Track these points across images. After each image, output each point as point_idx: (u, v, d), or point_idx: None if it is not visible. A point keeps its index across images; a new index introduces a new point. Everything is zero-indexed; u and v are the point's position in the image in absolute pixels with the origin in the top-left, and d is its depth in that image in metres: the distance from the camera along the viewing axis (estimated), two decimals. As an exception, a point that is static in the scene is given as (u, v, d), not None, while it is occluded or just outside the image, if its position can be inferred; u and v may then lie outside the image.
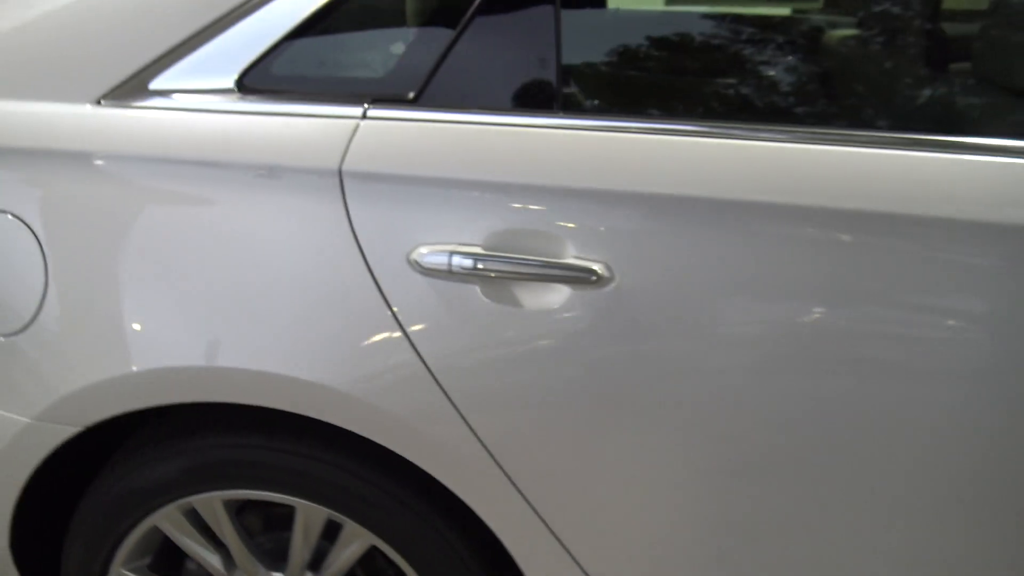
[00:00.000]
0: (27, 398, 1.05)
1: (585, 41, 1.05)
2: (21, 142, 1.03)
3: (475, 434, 0.98)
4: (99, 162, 1.01)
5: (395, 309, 0.95)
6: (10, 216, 1.03)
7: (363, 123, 0.96)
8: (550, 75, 0.97)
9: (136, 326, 1.01)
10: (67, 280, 1.02)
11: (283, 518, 1.20)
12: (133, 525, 1.13)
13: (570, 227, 0.92)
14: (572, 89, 0.99)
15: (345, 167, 0.95)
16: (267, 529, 1.23)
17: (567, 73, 0.98)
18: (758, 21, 1.13)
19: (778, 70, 1.09)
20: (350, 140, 0.96)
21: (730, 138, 0.90)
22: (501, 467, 0.99)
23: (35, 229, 1.02)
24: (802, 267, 0.87)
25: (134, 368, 1.00)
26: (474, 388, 0.96)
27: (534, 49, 0.97)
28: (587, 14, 1.04)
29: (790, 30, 1.23)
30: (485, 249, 0.93)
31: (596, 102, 1.01)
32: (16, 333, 1.04)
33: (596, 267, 0.91)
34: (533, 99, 0.97)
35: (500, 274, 0.93)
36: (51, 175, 1.02)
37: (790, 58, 1.10)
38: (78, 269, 1.02)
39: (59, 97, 1.04)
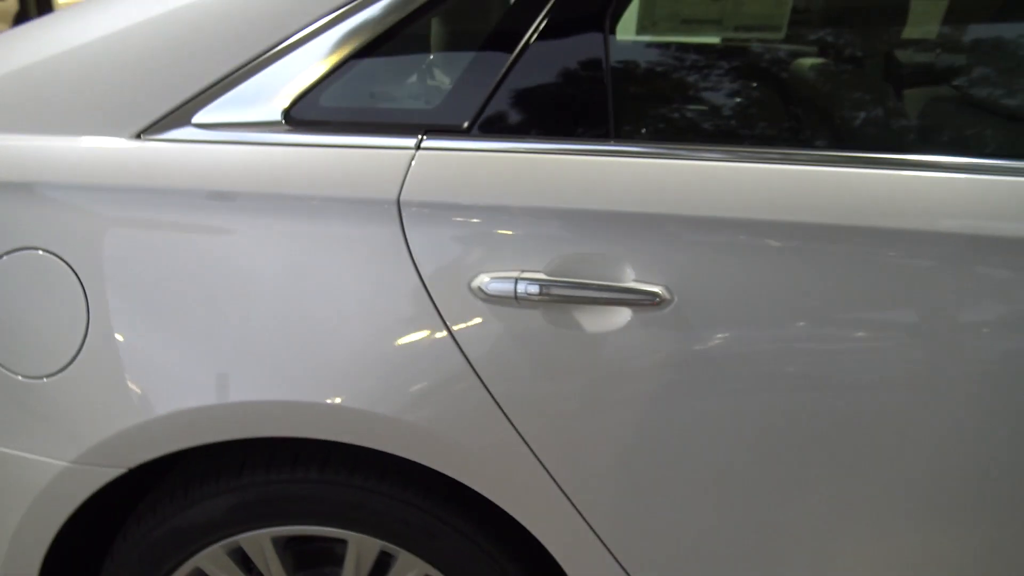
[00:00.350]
0: (65, 440, 1.02)
1: (635, 67, 1.08)
2: (60, 177, 1.01)
3: (541, 462, 0.98)
4: (142, 197, 1.00)
5: (457, 337, 0.96)
6: (48, 253, 1.00)
7: (419, 153, 0.97)
8: (602, 102, 1.00)
9: (188, 362, 0.99)
10: (111, 318, 1.00)
11: (321, 553, 1.18)
12: (175, 567, 1.10)
13: (629, 251, 0.95)
14: (624, 115, 1.02)
15: (403, 197, 0.96)
16: (304, 566, 1.21)
17: (619, 99, 1.01)
18: (814, 47, 1.17)
19: (835, 95, 1.13)
20: (407, 171, 0.97)
21: (785, 162, 0.94)
22: (566, 494, 1.00)
23: (75, 267, 1.00)
24: (861, 286, 0.91)
25: (189, 405, 0.98)
26: (537, 413, 0.97)
27: (585, 76, 0.99)
28: (636, 40, 1.07)
29: (843, 53, 1.28)
30: (547, 275, 0.95)
31: (649, 128, 1.04)
32: (55, 374, 1.01)
33: (658, 289, 0.93)
34: (585, 126, 1.00)
35: (563, 299, 0.94)
36: (92, 211, 1.00)
37: (846, 83, 1.15)
38: (123, 306, 1.00)
39: (98, 131, 1.02)
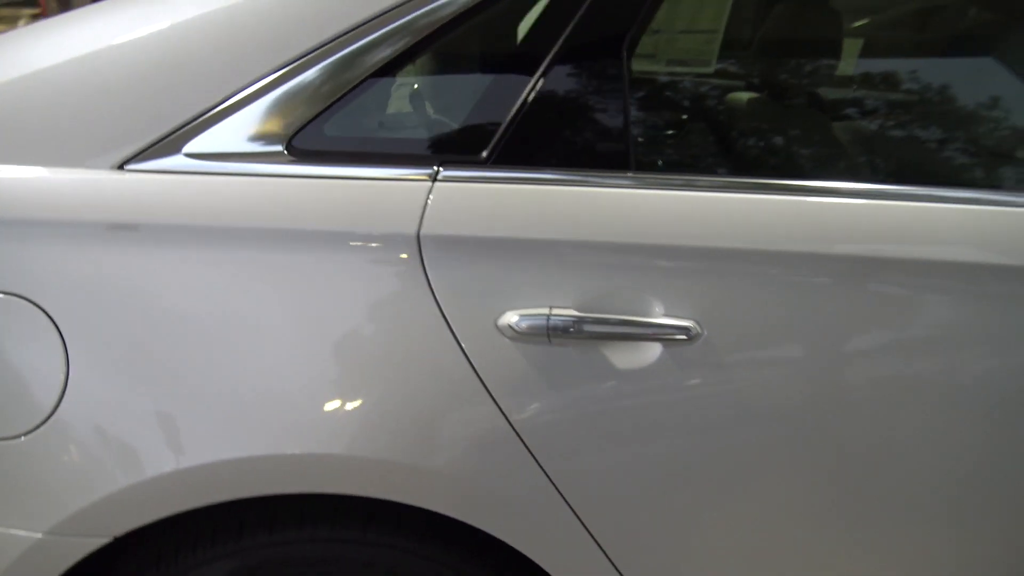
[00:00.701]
0: (39, 509, 0.90)
1: (655, 97, 1.06)
2: (33, 213, 0.91)
3: (572, 509, 0.94)
4: (127, 235, 0.91)
5: (484, 378, 0.91)
6: (21, 299, 0.89)
7: (437, 185, 0.92)
8: (621, 132, 0.97)
9: (184, 417, 0.89)
10: (93, 370, 0.89)
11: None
12: (162, 644, 0.99)
13: (656, 284, 0.92)
14: (644, 145, 1.00)
15: (423, 232, 0.90)
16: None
17: (639, 129, 0.99)
18: (838, 78, 1.18)
19: (857, 126, 1.13)
20: (425, 203, 0.91)
21: (810, 194, 0.93)
22: (599, 544, 0.95)
23: (52, 313, 0.89)
24: (892, 317, 0.91)
25: (186, 464, 0.89)
26: (567, 455, 0.93)
27: (603, 105, 0.97)
28: (653, 69, 1.05)
29: (867, 85, 1.29)
30: (576, 310, 0.91)
31: (668, 158, 1.02)
32: (28, 433, 0.90)
33: (688, 323, 0.91)
34: (605, 156, 0.97)
35: (596, 336, 0.91)
36: (70, 251, 0.90)
37: (867, 113, 1.16)
38: (107, 357, 0.90)
39: (75, 161, 0.92)
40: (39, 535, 0.90)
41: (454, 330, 0.90)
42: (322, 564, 0.97)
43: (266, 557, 0.97)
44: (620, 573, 0.97)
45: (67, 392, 0.89)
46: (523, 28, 1.00)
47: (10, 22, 9.54)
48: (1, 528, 0.91)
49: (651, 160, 1.00)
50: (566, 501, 0.94)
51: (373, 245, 0.91)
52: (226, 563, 0.96)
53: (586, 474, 0.93)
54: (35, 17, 8.97)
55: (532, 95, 0.95)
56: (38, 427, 0.89)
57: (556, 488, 0.93)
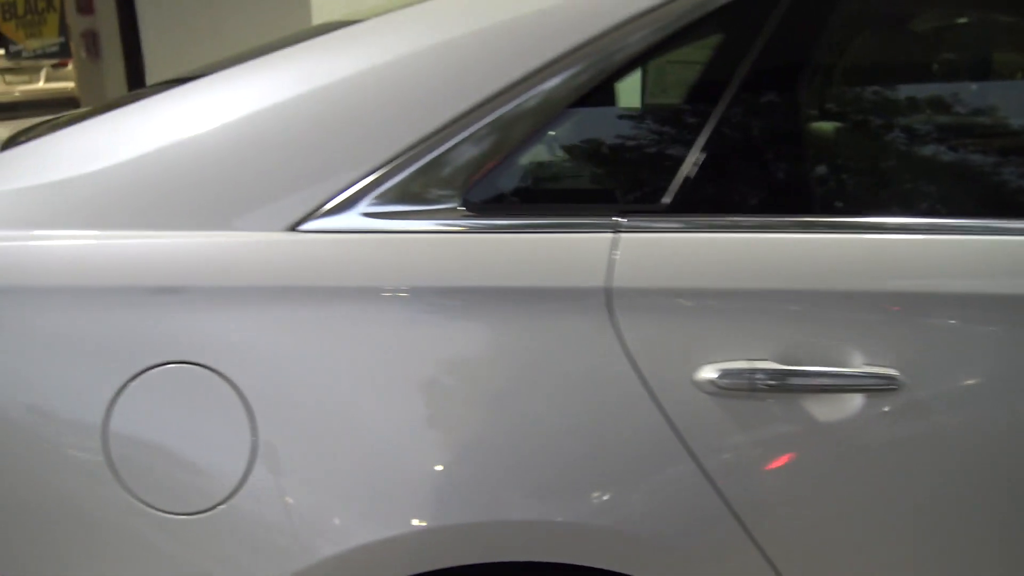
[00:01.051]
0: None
1: (837, 136, 1.03)
2: (205, 280, 0.88)
3: (774, 568, 0.89)
4: (306, 298, 0.88)
5: (683, 435, 0.87)
6: (202, 367, 0.86)
7: (622, 236, 0.89)
8: (801, 174, 0.94)
9: (375, 486, 0.86)
10: (281, 438, 0.86)
11: None
12: None
13: (856, 332, 0.89)
14: (827, 186, 0.97)
15: (613, 285, 0.87)
16: None
17: (820, 170, 0.97)
18: None
19: None
20: (610, 254, 0.88)
21: (1010, 234, 0.90)
22: None
23: (236, 382, 0.86)
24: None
25: (379, 536, 0.85)
26: (774, 517, 0.89)
27: (780, 149, 0.94)
28: (835, 108, 1.03)
29: None
30: (774, 362, 0.87)
31: (856, 200, 0.99)
32: (209, 510, 0.86)
33: (893, 373, 0.87)
34: (787, 200, 0.94)
35: (802, 388, 0.87)
36: (247, 315, 0.87)
37: None
38: (294, 424, 0.87)
39: (245, 225, 0.90)
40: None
41: (650, 386, 0.87)
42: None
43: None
44: None
45: (255, 463, 0.86)
46: (694, 72, 0.98)
47: (32, 72, 9.65)
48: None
49: (837, 202, 0.97)
50: (768, 560, 0.89)
51: (560, 300, 0.88)
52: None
53: (790, 530, 0.89)
54: (55, 67, 9.07)
55: (710, 140, 0.93)
56: (221, 503, 0.86)
57: (758, 546, 0.89)
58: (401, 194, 0.91)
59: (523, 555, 0.88)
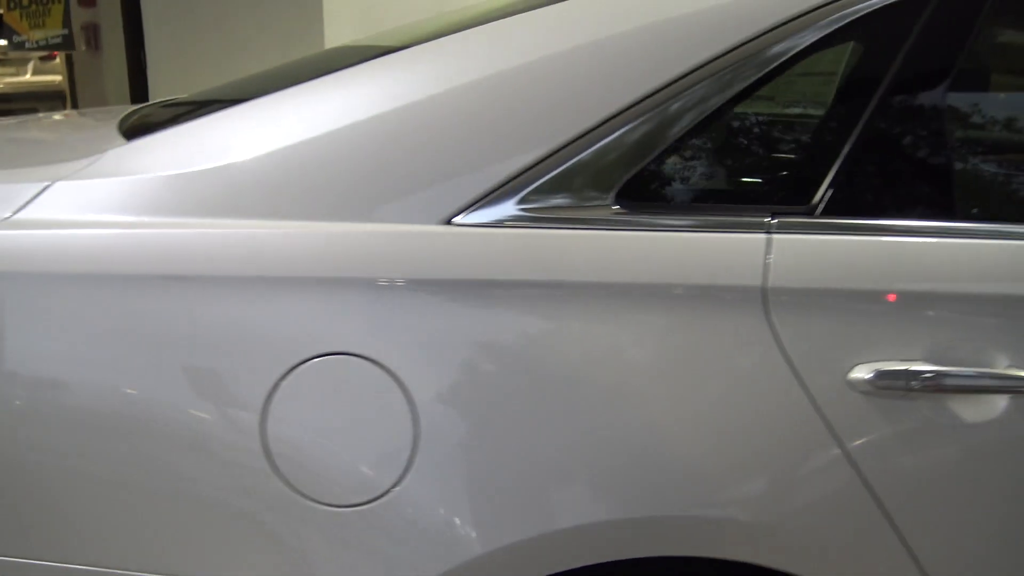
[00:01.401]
0: (387, 579, 0.86)
1: (978, 139, 1.05)
2: (364, 271, 0.88)
3: (920, 567, 0.91)
4: (463, 290, 0.88)
5: (837, 433, 0.88)
6: (361, 359, 0.86)
7: (775, 236, 0.90)
8: (949, 178, 0.96)
9: (540, 478, 0.86)
10: (443, 430, 0.86)
11: None
12: None
13: (1007, 334, 0.91)
14: (976, 191, 0.99)
15: (768, 284, 0.88)
16: None
17: (969, 174, 0.98)
18: None
19: None
20: (766, 255, 0.89)
21: None
22: None
23: (397, 374, 0.86)
24: None
25: (538, 531, 0.86)
26: (919, 510, 0.90)
27: (929, 154, 0.96)
28: (975, 110, 1.04)
29: None
30: (926, 363, 0.89)
31: (1002, 204, 1.01)
32: (371, 502, 0.86)
33: None
34: (936, 204, 0.96)
35: (955, 389, 0.89)
36: (404, 307, 0.87)
37: None
38: (455, 416, 0.87)
39: (398, 217, 0.90)
40: (385, 608, 0.86)
41: (807, 386, 0.88)
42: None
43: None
44: None
45: (415, 458, 0.85)
46: (847, 75, 1.00)
47: (19, 64, 9.49)
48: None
49: (986, 207, 0.99)
50: (913, 556, 0.91)
51: (717, 299, 0.89)
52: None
53: (936, 527, 0.91)
54: (43, 60, 8.92)
55: (859, 144, 0.94)
56: (383, 495, 0.86)
57: (904, 543, 0.90)
58: (556, 189, 0.91)
59: (677, 550, 0.89)
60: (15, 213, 0.89)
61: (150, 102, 1.61)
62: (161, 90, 5.55)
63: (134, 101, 5.78)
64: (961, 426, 0.90)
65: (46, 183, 0.91)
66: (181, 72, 5.44)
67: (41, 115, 1.59)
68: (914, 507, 0.90)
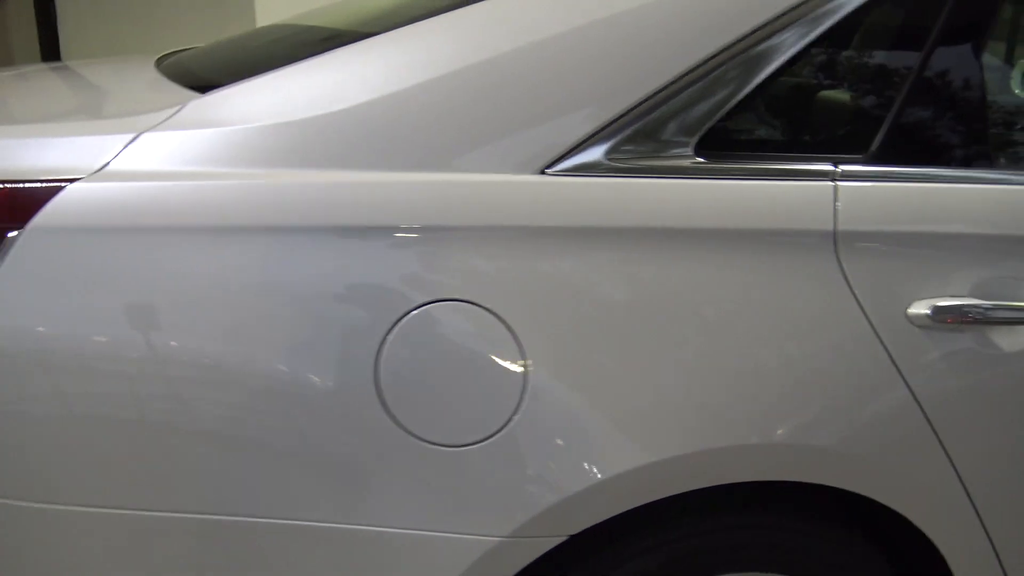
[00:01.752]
0: (500, 513, 0.91)
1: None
2: (465, 220, 0.91)
3: (967, 492, 1.01)
4: (560, 238, 0.92)
5: (900, 366, 0.97)
6: (472, 304, 0.89)
7: (841, 184, 0.98)
8: (995, 127, 1.05)
9: (634, 414, 0.92)
10: (549, 370, 0.91)
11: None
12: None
13: None
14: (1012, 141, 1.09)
15: (839, 228, 0.96)
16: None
17: (1011, 123, 1.08)
18: None
19: None
20: (834, 201, 0.97)
21: None
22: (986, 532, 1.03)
23: (505, 318, 0.90)
24: None
25: (643, 462, 0.92)
26: (969, 437, 1.00)
27: (978, 106, 1.05)
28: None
29: None
30: (975, 298, 0.99)
31: None
32: (483, 441, 0.90)
33: None
34: (982, 152, 1.05)
35: (1002, 321, 0.99)
36: (507, 253, 0.91)
37: None
38: (561, 356, 0.91)
39: (494, 167, 0.93)
40: (498, 539, 0.90)
41: (872, 321, 0.97)
42: (731, 551, 1.01)
43: (685, 549, 1.00)
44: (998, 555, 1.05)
45: (524, 398, 0.90)
46: (905, 26, 1.07)
47: None
48: (456, 535, 0.90)
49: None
50: (962, 483, 1.01)
51: (790, 243, 0.96)
52: (650, 557, 0.99)
53: (979, 446, 1.01)
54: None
55: (910, 93, 1.02)
56: (499, 431, 0.90)
57: (955, 469, 1.00)
58: (640, 140, 0.96)
59: (760, 475, 0.97)
60: (106, 165, 0.88)
61: (188, 47, 1.56)
62: (73, 45, 5.26)
63: (45, 58, 5.45)
64: (1005, 356, 1.00)
65: (132, 134, 0.90)
66: (95, 25, 5.16)
67: (28, 68, 1.51)
68: (960, 427, 1.00)
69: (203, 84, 1.05)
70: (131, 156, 0.89)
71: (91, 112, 1.07)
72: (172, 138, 0.91)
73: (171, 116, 0.93)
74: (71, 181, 0.86)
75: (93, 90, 1.29)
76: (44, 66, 1.61)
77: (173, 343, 0.86)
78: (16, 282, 0.85)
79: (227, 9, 4.84)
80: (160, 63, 1.33)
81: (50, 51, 5.49)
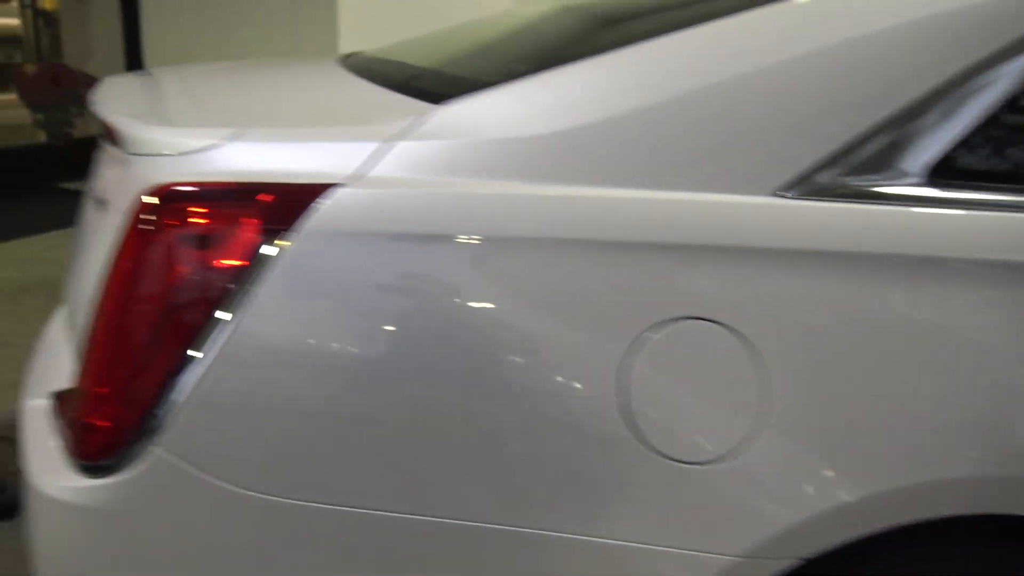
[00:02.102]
0: (735, 532, 0.91)
1: None
2: (707, 239, 0.92)
3: None
4: (797, 261, 0.92)
5: None
6: (716, 324, 0.90)
7: None
8: None
9: (875, 441, 0.92)
10: (794, 393, 0.91)
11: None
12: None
13: None
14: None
15: None
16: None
17: None
18: None
19: None
20: None
21: None
22: None
23: (751, 338, 0.90)
24: None
25: (880, 488, 0.91)
26: None
27: None
28: None
29: None
30: None
31: None
32: (719, 459, 0.90)
33: None
34: None
35: None
36: (754, 275, 0.91)
37: None
38: (805, 379, 0.91)
39: (729, 188, 0.94)
40: (732, 558, 0.91)
41: None
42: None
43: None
44: None
45: (769, 414, 0.90)
46: None
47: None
48: (691, 551, 0.91)
49: None
50: None
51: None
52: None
53: None
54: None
55: None
56: (739, 450, 0.90)
57: None
58: (871, 165, 0.96)
59: (1003, 508, 0.96)
60: (367, 171, 0.90)
61: (379, 50, 1.59)
62: (156, 48, 5.37)
63: (129, 57, 5.57)
64: None
65: (380, 143, 0.92)
66: (178, 31, 5.26)
67: (198, 68, 1.54)
68: None
69: (427, 92, 1.06)
70: (389, 164, 0.91)
71: (331, 119, 1.09)
72: (426, 148, 0.92)
73: (418, 126, 0.95)
74: (333, 186, 0.89)
75: (311, 94, 1.32)
76: (214, 67, 1.64)
77: (437, 349, 0.88)
78: (289, 287, 0.87)
79: (307, 11, 4.91)
80: (354, 65, 1.35)
81: (132, 48, 5.61)
